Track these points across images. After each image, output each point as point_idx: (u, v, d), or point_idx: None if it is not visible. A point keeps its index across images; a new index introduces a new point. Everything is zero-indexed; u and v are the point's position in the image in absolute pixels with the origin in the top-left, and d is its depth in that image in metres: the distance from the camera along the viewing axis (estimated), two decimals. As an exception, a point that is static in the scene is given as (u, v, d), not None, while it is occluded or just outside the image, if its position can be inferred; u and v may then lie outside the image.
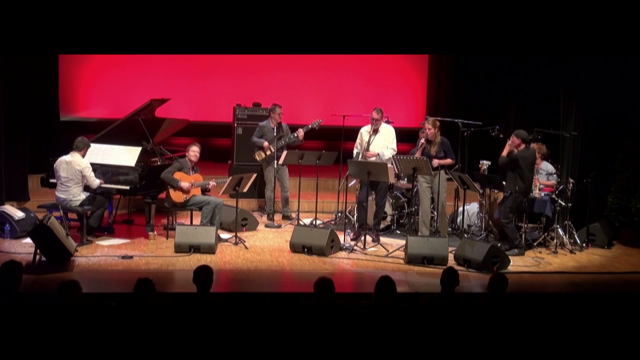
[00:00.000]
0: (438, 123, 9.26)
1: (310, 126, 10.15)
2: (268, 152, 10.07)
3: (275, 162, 10.00)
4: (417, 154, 9.14)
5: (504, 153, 8.86)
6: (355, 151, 9.54)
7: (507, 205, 8.83)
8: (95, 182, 8.64)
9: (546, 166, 9.48)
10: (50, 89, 11.77)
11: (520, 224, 9.03)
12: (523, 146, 8.79)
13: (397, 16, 7.77)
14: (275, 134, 10.10)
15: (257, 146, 10.19)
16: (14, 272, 5.25)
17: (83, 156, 8.64)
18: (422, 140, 9.20)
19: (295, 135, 10.11)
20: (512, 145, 8.83)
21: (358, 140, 9.50)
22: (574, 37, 7.94)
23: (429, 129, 9.13)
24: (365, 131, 9.44)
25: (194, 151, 9.09)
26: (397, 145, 9.38)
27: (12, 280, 5.21)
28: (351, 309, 5.32)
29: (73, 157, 8.56)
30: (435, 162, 9.05)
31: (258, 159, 10.24)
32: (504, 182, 9.00)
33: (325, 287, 5.38)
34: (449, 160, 9.24)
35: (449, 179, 9.74)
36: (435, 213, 9.40)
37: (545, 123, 9.63)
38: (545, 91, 10.78)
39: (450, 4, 7.77)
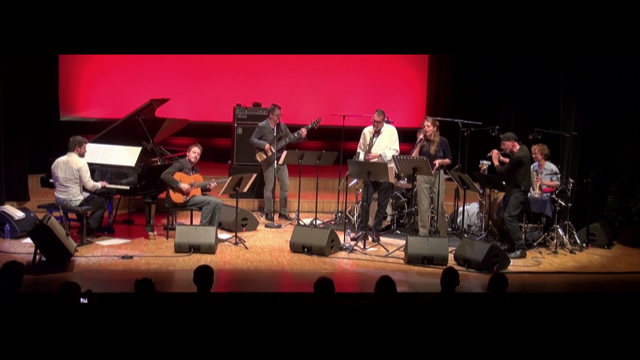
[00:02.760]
0: (437, 122, 9.26)
1: (310, 126, 10.14)
2: (269, 154, 10.06)
3: (276, 162, 10.01)
4: (415, 152, 9.15)
5: (497, 162, 8.85)
6: (358, 151, 9.55)
7: (511, 204, 8.80)
8: (90, 183, 8.60)
9: (549, 166, 9.48)
10: (50, 89, 11.78)
11: (520, 224, 9.04)
12: (518, 146, 8.80)
13: (397, 16, 7.77)
14: (275, 134, 10.11)
15: (258, 148, 10.18)
16: (15, 272, 5.24)
17: (81, 155, 8.63)
18: (421, 136, 9.19)
19: (299, 134, 10.12)
20: (505, 149, 8.83)
21: (361, 141, 9.51)
22: (574, 37, 7.94)
23: (428, 127, 9.13)
24: (367, 132, 9.43)
25: (194, 152, 9.08)
26: (399, 145, 9.38)
27: (13, 281, 5.21)
28: (351, 309, 5.32)
29: (70, 157, 8.55)
30: (437, 162, 9.04)
31: (259, 160, 10.21)
32: (503, 183, 9.00)
33: (325, 287, 5.39)
34: (447, 160, 9.24)
35: (448, 179, 9.75)
36: (435, 213, 9.40)
37: (545, 123, 9.64)
38: (545, 91, 10.77)
39: (450, 4, 7.77)
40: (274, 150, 9.98)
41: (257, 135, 10.19)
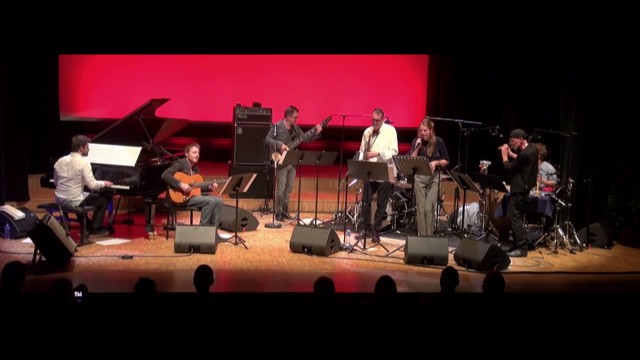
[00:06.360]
0: (433, 124, 9.23)
1: (321, 124, 10.18)
2: (284, 154, 10.05)
3: (276, 162, 10.00)
4: (413, 155, 9.13)
5: (505, 158, 8.83)
6: (358, 152, 9.56)
7: (512, 203, 8.79)
8: (93, 182, 8.61)
9: (546, 166, 9.48)
10: (50, 89, 11.77)
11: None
12: (526, 143, 8.80)
13: (397, 16, 7.77)
14: (289, 134, 10.16)
15: (276, 148, 10.16)
16: (17, 273, 5.24)
17: (84, 154, 8.64)
18: (419, 141, 9.19)
19: (314, 131, 10.16)
20: (514, 146, 8.82)
21: (362, 142, 9.51)
22: (574, 37, 7.94)
23: (424, 130, 9.09)
24: (367, 132, 9.44)
25: (194, 152, 9.09)
26: (398, 145, 9.38)
27: (15, 281, 5.20)
28: (351, 309, 5.32)
29: (73, 157, 8.56)
30: (433, 164, 9.02)
31: (275, 159, 10.19)
32: (504, 182, 9.00)
33: (325, 287, 5.39)
34: (443, 161, 9.21)
35: (448, 179, 9.74)
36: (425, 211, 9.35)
37: (545, 123, 9.63)
38: (545, 91, 10.77)
39: (450, 4, 7.77)
40: (288, 150, 9.98)
41: (272, 135, 10.20)
